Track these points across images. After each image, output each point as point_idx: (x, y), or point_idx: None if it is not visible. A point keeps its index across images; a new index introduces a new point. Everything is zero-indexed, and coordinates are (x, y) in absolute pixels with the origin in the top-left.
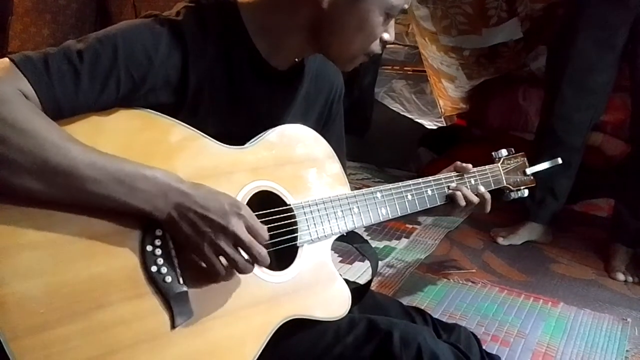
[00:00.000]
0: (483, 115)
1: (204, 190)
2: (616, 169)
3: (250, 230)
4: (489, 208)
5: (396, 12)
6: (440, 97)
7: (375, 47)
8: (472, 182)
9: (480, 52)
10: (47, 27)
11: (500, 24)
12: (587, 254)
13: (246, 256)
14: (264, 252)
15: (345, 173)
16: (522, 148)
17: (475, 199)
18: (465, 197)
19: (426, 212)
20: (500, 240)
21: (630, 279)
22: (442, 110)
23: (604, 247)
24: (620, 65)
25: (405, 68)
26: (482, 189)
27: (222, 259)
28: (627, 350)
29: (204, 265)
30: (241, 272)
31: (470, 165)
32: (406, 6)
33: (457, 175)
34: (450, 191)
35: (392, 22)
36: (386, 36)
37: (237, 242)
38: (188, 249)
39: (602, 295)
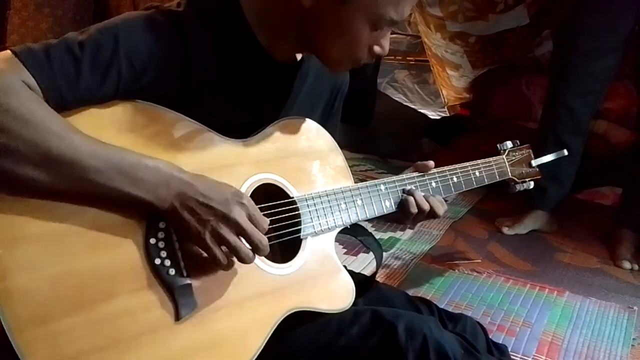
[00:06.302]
0: (486, 104)
1: (206, 180)
2: (621, 156)
3: (251, 219)
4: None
5: (384, 24)
6: (444, 87)
7: (363, 56)
8: (434, 184)
9: (486, 38)
10: (45, 21)
11: (507, 11)
12: (593, 242)
13: (248, 245)
14: (265, 240)
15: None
16: (525, 137)
17: (427, 206)
18: (417, 204)
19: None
20: (505, 230)
21: (636, 266)
22: (446, 100)
23: (610, 236)
24: (625, 51)
25: (408, 58)
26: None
27: (224, 248)
28: (633, 339)
29: (206, 254)
30: (243, 261)
31: (432, 163)
32: (396, 18)
33: (419, 176)
34: (404, 195)
35: (387, 34)
36: (377, 49)
37: (239, 230)
38: (190, 239)
39: (608, 284)
